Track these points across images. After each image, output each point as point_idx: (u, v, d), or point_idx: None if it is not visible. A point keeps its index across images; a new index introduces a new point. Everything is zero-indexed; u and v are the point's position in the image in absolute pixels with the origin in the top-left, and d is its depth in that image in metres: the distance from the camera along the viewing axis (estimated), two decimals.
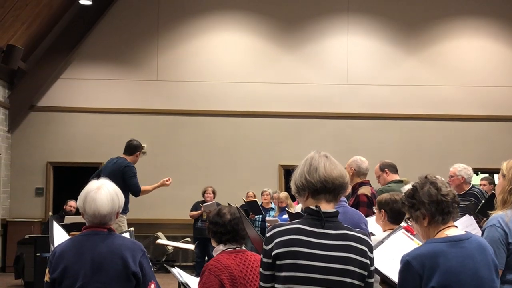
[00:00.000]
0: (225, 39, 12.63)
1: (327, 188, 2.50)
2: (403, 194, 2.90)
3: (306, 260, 2.39)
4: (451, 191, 2.76)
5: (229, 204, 4.51)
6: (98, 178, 3.27)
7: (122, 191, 3.27)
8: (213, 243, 3.54)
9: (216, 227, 3.49)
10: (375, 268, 2.58)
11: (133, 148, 7.25)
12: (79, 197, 3.17)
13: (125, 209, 6.93)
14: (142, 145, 7.34)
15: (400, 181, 5.95)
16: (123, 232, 4.94)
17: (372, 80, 12.52)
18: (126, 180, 6.90)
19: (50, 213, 4.24)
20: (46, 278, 3.08)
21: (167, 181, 7.37)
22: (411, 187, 2.83)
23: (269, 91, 12.45)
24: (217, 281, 3.25)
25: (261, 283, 2.47)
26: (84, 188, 3.18)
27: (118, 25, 12.49)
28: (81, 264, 3.01)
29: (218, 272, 3.28)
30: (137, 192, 7.09)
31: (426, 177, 2.82)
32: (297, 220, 2.50)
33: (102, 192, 3.12)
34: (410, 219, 2.86)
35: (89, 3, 11.94)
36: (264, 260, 2.45)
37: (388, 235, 3.26)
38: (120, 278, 3.03)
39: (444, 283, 2.55)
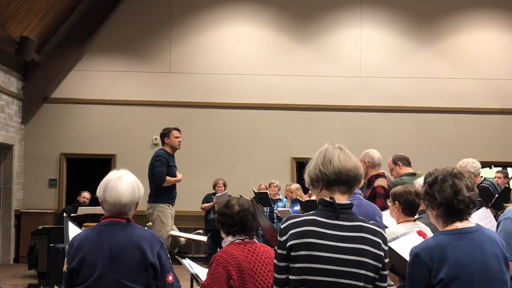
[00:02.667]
0: (238, 31, 12.60)
1: (341, 179, 2.49)
2: (426, 174, 2.81)
3: (320, 251, 2.38)
4: (469, 196, 2.65)
5: (241, 196, 4.50)
6: None
7: None
8: (222, 235, 3.56)
9: (225, 218, 3.51)
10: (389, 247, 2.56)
11: (161, 138, 7.56)
12: (99, 186, 3.17)
13: (166, 199, 7.06)
14: (170, 128, 7.53)
15: (413, 174, 5.93)
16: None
17: (385, 73, 12.44)
18: (153, 170, 7.11)
19: (64, 214, 4.22)
20: (64, 268, 3.10)
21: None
22: (434, 174, 2.73)
23: (281, 84, 12.41)
24: (224, 272, 3.27)
25: (276, 275, 2.47)
26: (105, 178, 3.18)
27: (131, 17, 12.49)
28: (99, 254, 3.02)
29: (225, 263, 3.29)
30: (158, 179, 7.21)
31: (452, 171, 2.71)
32: (312, 212, 2.50)
33: (123, 182, 3.13)
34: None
35: None
36: (279, 251, 2.45)
37: (400, 235, 3.24)
38: (138, 269, 3.03)
39: (453, 275, 2.54)
